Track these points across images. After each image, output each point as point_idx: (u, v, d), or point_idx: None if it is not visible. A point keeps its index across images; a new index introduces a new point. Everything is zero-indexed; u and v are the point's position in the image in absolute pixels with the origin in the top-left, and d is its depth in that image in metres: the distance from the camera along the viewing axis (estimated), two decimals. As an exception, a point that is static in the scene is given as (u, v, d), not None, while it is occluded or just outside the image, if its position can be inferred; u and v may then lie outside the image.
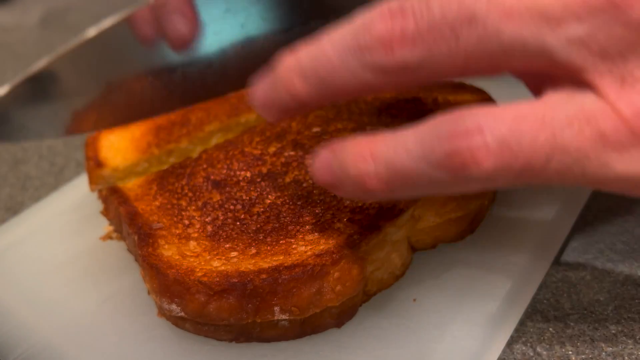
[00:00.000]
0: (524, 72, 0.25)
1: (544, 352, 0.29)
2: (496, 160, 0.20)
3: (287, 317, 0.28)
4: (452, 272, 0.32)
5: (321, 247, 0.29)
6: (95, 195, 0.40)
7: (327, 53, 0.23)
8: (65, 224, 0.39)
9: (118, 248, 0.36)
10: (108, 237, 0.37)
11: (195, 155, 0.38)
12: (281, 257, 0.28)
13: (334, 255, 0.28)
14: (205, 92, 0.34)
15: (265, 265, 0.28)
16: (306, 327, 0.29)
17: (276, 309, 0.27)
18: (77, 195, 0.41)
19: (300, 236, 0.30)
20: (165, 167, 0.37)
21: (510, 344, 0.30)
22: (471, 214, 0.33)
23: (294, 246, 0.29)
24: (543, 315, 0.31)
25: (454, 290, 0.31)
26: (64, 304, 0.33)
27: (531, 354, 0.29)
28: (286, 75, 0.24)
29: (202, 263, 0.29)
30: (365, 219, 0.30)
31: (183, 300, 0.28)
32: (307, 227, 0.30)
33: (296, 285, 0.27)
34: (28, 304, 0.33)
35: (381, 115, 0.38)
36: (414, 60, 0.21)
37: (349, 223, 0.30)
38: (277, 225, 0.31)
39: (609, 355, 0.29)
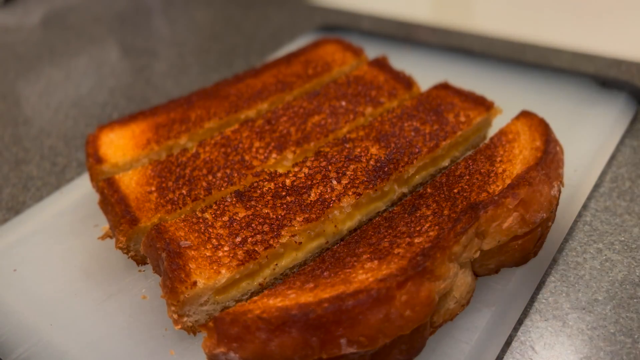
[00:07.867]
0: None
1: (543, 352, 0.29)
2: None
3: (355, 350, 0.25)
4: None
5: (383, 272, 0.27)
6: (97, 195, 0.40)
7: None
8: (67, 223, 0.39)
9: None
10: (106, 236, 0.37)
11: (193, 150, 0.38)
12: (342, 287, 0.27)
13: (399, 278, 0.26)
14: None
15: (326, 295, 0.26)
16: None
17: (342, 341, 0.25)
18: (78, 195, 0.41)
19: (359, 265, 0.28)
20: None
21: (509, 342, 0.30)
22: (536, 233, 0.31)
23: (353, 275, 0.27)
24: (542, 314, 0.31)
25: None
26: (64, 304, 0.33)
27: (530, 353, 0.29)
28: None
29: (259, 303, 0.27)
30: (427, 240, 0.28)
31: (243, 342, 0.26)
32: (365, 256, 0.29)
33: (362, 312, 0.25)
34: (28, 304, 0.33)
35: (403, 122, 0.38)
36: None
37: (408, 247, 0.28)
38: (333, 260, 0.30)
39: (607, 354, 0.29)
